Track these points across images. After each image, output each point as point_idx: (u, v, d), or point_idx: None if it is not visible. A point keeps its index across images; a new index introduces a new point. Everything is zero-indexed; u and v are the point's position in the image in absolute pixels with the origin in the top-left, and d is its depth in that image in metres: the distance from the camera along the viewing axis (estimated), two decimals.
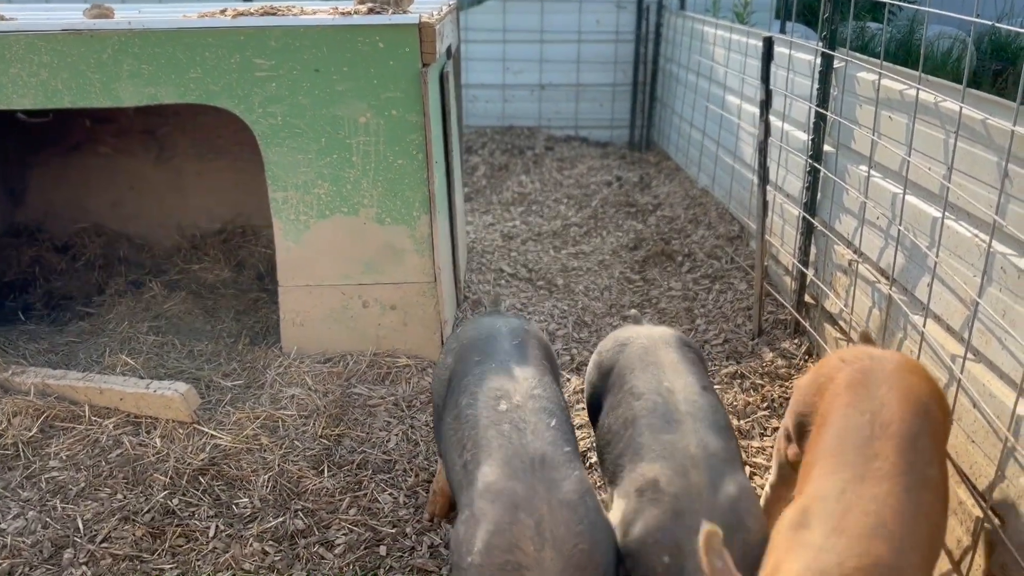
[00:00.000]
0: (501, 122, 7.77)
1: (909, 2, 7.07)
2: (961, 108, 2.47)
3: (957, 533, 2.42)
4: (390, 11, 3.44)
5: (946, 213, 2.63)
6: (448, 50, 4.20)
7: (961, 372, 2.46)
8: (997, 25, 2.36)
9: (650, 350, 2.51)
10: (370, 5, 3.49)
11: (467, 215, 5.75)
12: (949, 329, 2.67)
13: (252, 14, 3.44)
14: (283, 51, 3.34)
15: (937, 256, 2.65)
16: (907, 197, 2.90)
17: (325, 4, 4.00)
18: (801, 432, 2.22)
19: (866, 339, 2.54)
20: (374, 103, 3.42)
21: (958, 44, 9.00)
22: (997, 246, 2.35)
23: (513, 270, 4.86)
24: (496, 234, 5.45)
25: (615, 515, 2.14)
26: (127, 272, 4.58)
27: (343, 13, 3.46)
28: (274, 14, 3.45)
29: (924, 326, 2.71)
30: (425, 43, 3.35)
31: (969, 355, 2.47)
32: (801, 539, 1.73)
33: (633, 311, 3.09)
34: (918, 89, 2.76)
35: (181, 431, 3.19)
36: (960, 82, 2.51)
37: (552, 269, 4.91)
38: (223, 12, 3.50)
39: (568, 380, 3.67)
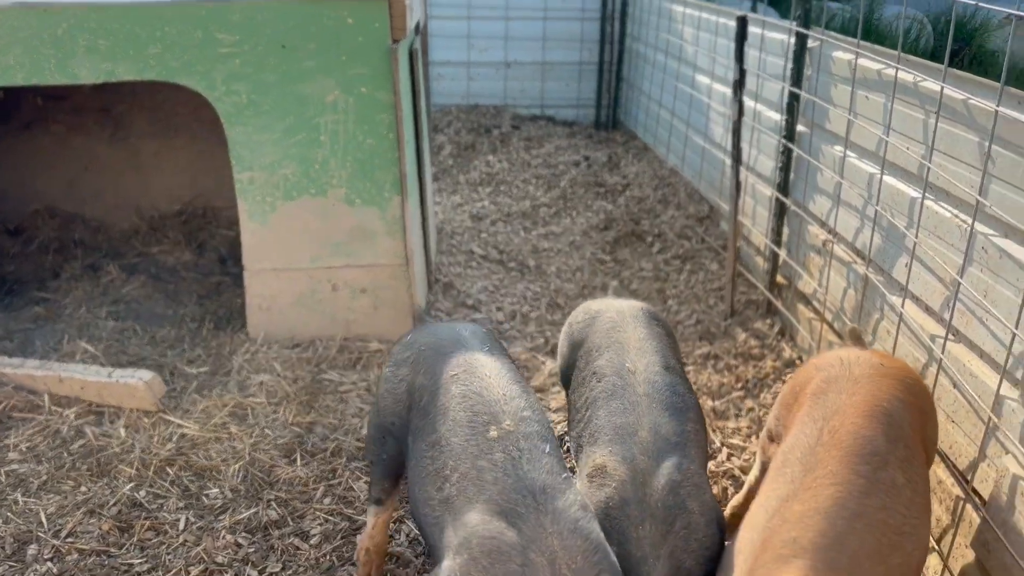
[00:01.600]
0: (466, 100, 7.65)
1: None
2: (942, 88, 2.45)
3: (936, 512, 2.44)
4: None
5: (926, 193, 2.62)
6: (417, 26, 4.09)
7: (942, 352, 2.46)
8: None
9: (618, 326, 2.48)
10: None
11: (434, 195, 5.66)
12: (928, 309, 2.67)
13: None
14: (247, 26, 3.22)
15: (916, 236, 2.65)
16: (884, 177, 2.89)
17: None
18: (778, 438, 2.20)
19: (856, 338, 2.51)
20: (342, 80, 3.32)
21: (915, 24, 9.12)
22: (979, 227, 2.35)
23: (484, 252, 4.80)
24: (465, 215, 5.37)
25: None
26: (83, 256, 4.42)
27: None
28: None
29: (903, 306, 2.71)
30: (395, 18, 3.26)
31: (950, 336, 2.47)
32: (738, 568, 1.71)
33: (613, 283, 3.06)
34: (897, 68, 2.74)
35: (146, 420, 3.08)
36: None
37: (523, 250, 4.86)
38: None
39: (543, 363, 3.62)
